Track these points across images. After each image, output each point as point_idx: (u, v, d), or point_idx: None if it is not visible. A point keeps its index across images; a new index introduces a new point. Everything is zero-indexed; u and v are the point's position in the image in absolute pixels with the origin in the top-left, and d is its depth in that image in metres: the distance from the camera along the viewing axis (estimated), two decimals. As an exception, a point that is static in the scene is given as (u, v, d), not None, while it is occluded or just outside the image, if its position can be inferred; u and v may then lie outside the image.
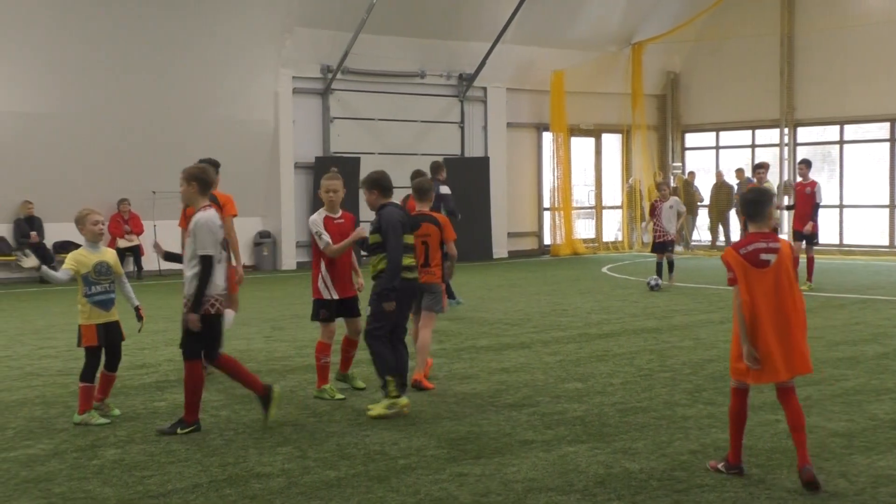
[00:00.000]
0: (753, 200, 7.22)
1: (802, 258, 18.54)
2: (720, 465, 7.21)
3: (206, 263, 8.54)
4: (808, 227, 18.89)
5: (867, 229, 29.44)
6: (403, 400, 9.14)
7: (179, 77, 23.96)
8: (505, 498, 6.70)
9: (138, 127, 23.82)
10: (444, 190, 17.28)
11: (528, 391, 10.10)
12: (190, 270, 8.62)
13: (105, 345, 9.07)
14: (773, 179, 30.82)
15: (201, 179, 8.87)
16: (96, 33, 22.66)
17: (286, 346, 13.27)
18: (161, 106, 23.96)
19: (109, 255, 9.24)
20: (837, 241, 29.56)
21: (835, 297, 18.11)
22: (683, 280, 20.52)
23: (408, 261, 9.53)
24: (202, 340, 8.70)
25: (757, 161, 22.59)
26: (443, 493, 6.81)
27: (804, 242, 19.08)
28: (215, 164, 11.83)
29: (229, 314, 10.28)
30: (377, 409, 9.09)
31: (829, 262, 25.82)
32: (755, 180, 20.53)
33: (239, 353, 12.67)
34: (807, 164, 19.65)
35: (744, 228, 6.28)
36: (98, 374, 9.13)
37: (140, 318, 9.36)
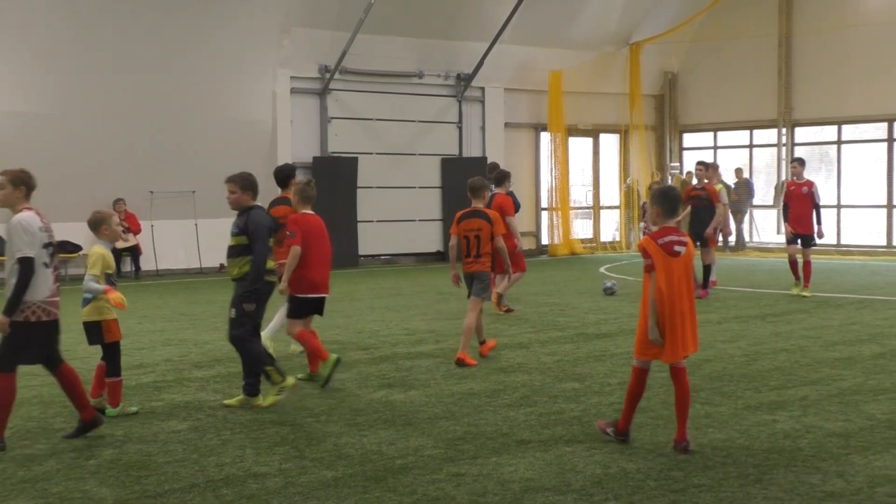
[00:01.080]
0: (674, 199, 7.96)
1: (800, 257, 18.24)
2: (609, 429, 8.02)
3: (26, 266, 8.09)
4: (819, 231, 17.97)
5: (865, 229, 29.46)
6: (290, 380, 9.63)
7: (177, 77, 23.94)
8: (502, 498, 6.71)
9: (136, 127, 23.81)
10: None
11: (526, 391, 10.10)
12: (13, 277, 8.19)
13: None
14: (766, 180, 30.98)
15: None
16: (93, 33, 22.65)
17: (281, 345, 13.25)
18: (159, 106, 23.95)
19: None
20: (835, 242, 29.55)
21: (832, 297, 18.12)
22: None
23: (270, 264, 9.66)
24: (20, 351, 8.22)
25: (708, 161, 22.18)
26: (440, 493, 6.81)
27: (800, 244, 18.16)
28: (291, 170, 13.30)
29: None
30: (269, 399, 9.50)
31: (827, 263, 25.83)
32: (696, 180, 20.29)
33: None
34: (801, 162, 18.68)
35: (653, 222, 6.78)
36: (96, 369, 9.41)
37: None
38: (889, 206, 28.71)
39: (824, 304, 17.03)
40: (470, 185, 12.26)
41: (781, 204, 19.02)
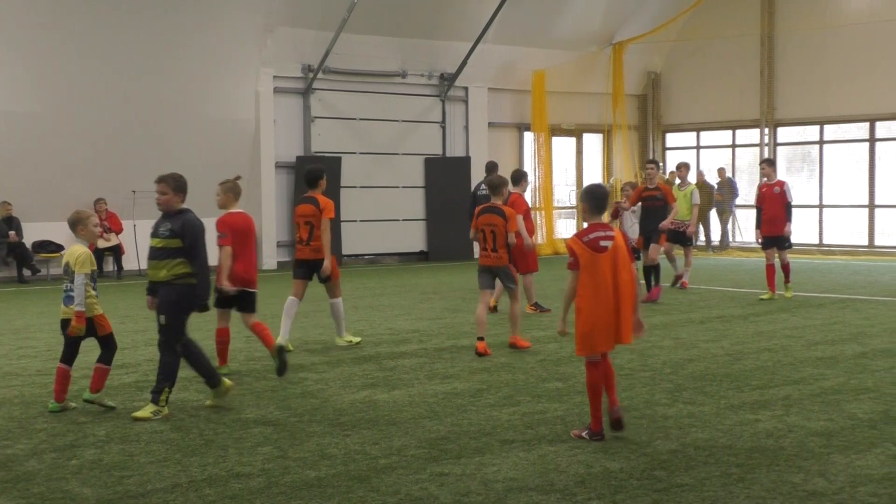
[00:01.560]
0: (600, 196, 8.37)
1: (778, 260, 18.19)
2: (584, 433, 8.13)
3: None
4: (787, 230, 17.72)
5: (846, 229, 29.56)
6: (166, 410, 9.21)
7: (160, 76, 23.87)
8: (485, 498, 6.71)
9: (118, 126, 23.73)
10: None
11: (509, 391, 10.11)
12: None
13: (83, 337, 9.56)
14: (749, 180, 31.06)
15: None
16: (76, 32, 22.56)
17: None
18: (141, 105, 23.87)
19: None
20: (817, 241, 29.70)
21: (814, 296, 18.19)
22: (665, 279, 20.50)
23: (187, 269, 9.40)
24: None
25: (681, 161, 21.92)
26: (423, 493, 6.81)
27: (776, 248, 17.83)
28: (321, 172, 13.34)
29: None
30: (145, 412, 9.08)
31: (809, 262, 25.94)
32: (678, 180, 20.22)
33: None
34: (770, 163, 18.46)
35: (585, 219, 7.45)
36: (64, 368, 9.53)
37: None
38: (871, 206, 28.83)
39: (806, 303, 17.10)
40: (489, 183, 12.99)
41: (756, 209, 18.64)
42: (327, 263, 12.72)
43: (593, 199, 8.29)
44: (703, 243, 30.60)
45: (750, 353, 12.16)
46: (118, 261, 24.11)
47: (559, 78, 30.43)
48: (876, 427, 8.41)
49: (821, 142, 29.99)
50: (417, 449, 7.91)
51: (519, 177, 16.44)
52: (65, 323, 9.45)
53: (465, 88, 29.36)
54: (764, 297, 17.74)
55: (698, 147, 32.90)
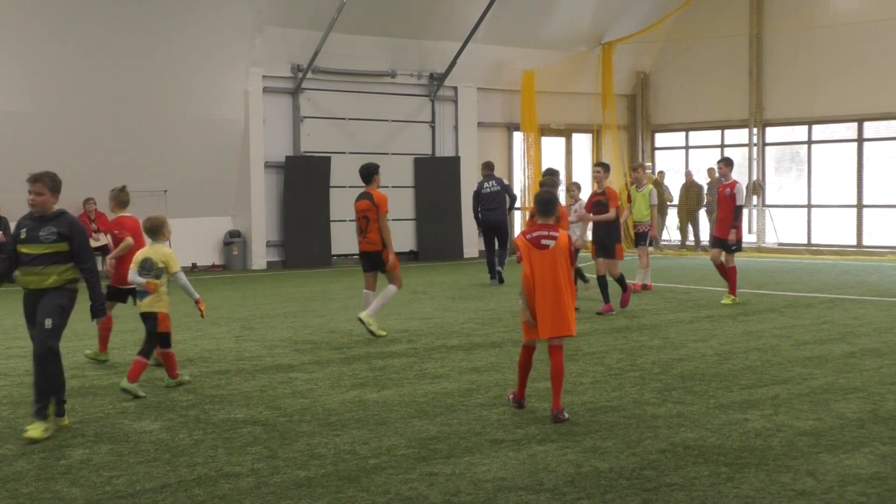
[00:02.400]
0: (547, 201, 9.35)
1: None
2: (511, 396, 9.39)
3: None
4: (731, 237, 16.78)
5: (835, 229, 29.65)
6: (67, 421, 8.81)
7: (149, 75, 23.83)
8: (475, 497, 6.71)
9: (107, 126, 23.69)
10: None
11: (499, 390, 10.11)
12: None
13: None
14: (738, 178, 31.14)
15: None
16: (64, 31, 22.50)
17: (256, 345, 13.23)
18: (130, 105, 23.83)
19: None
20: (805, 241, 29.78)
21: (802, 296, 18.22)
22: (654, 279, 20.56)
23: (74, 273, 8.90)
24: None
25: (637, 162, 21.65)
26: (413, 493, 6.81)
27: (722, 249, 17.03)
28: (375, 167, 14.31)
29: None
30: (36, 433, 8.37)
31: (798, 262, 26.01)
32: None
33: (208, 352, 12.66)
34: (727, 162, 17.59)
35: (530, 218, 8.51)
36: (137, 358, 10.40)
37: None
38: (859, 206, 28.92)
39: (795, 303, 17.13)
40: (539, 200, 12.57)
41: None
42: (391, 258, 13.78)
43: (540, 204, 9.35)
44: (693, 243, 30.67)
45: (739, 352, 12.18)
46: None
47: (548, 78, 30.46)
48: (864, 426, 8.43)
49: (809, 142, 30.08)
50: (407, 449, 7.91)
51: (551, 175, 16.42)
52: (145, 316, 10.53)
53: (455, 88, 29.37)
54: (726, 301, 16.97)
55: (687, 147, 32.98)
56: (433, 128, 29.16)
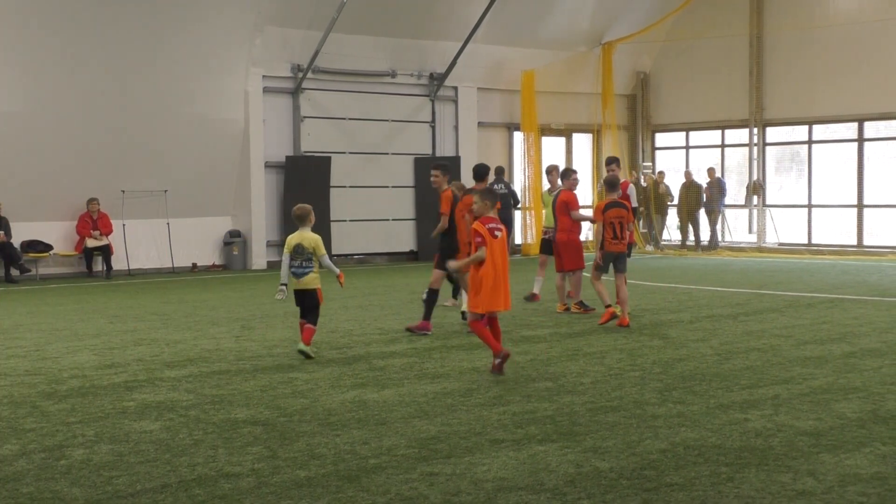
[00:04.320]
0: (493, 194, 11.26)
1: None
2: (496, 361, 10.81)
3: None
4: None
5: (835, 229, 29.63)
6: None
7: (149, 75, 23.83)
8: (475, 497, 6.71)
9: (108, 126, 23.68)
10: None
11: (499, 390, 10.11)
12: None
13: (300, 305, 12.21)
14: (738, 180, 31.13)
15: None
16: (65, 31, 22.49)
17: (256, 345, 13.23)
18: (131, 104, 23.83)
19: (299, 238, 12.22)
20: (806, 241, 29.78)
21: (803, 296, 18.22)
22: (655, 279, 20.59)
23: None
24: None
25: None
26: (413, 493, 6.80)
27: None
28: (486, 168, 15.30)
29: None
30: None
31: (798, 262, 26.01)
32: (550, 184, 18.38)
33: (208, 352, 12.66)
34: (617, 162, 16.93)
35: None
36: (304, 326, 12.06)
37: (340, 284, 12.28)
38: (859, 206, 28.91)
39: (795, 303, 17.13)
40: (606, 181, 15.21)
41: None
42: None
43: (490, 196, 11.12)
44: (693, 243, 30.66)
45: (739, 352, 12.18)
46: (107, 261, 24.04)
47: (549, 78, 30.46)
48: (865, 426, 8.43)
49: (809, 142, 30.06)
50: (407, 448, 7.91)
51: (568, 173, 16.65)
52: (299, 293, 12.13)
53: (455, 88, 29.37)
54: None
55: (687, 147, 32.97)
56: (433, 128, 29.16)
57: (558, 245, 16.14)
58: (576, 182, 16.65)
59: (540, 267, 18.14)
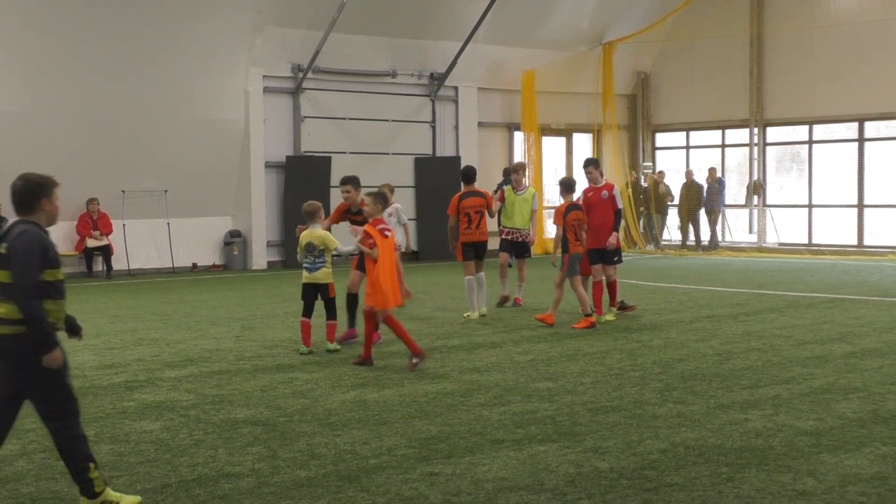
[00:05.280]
0: (384, 198, 12.45)
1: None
2: (414, 360, 11.34)
3: None
4: (612, 241, 15.19)
5: (836, 229, 29.62)
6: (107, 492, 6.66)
7: (149, 75, 23.81)
8: (475, 497, 6.71)
9: (108, 126, 23.66)
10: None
11: (499, 390, 10.11)
12: None
13: (306, 298, 12.67)
14: (738, 180, 31.13)
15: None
16: (65, 31, 22.48)
17: (256, 345, 13.23)
18: (131, 105, 23.80)
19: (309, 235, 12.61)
20: (806, 241, 29.77)
21: (803, 296, 18.22)
22: (655, 279, 20.60)
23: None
24: None
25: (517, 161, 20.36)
26: (413, 493, 6.80)
27: (601, 262, 15.43)
28: (472, 171, 16.81)
29: None
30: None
31: (798, 262, 26.00)
32: (513, 181, 17.95)
33: (208, 352, 12.66)
34: (595, 165, 15.98)
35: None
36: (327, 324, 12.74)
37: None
38: (860, 206, 28.89)
39: (795, 303, 17.13)
40: (563, 183, 15.52)
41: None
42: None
43: (382, 201, 12.18)
44: (693, 243, 30.66)
45: (739, 352, 12.18)
46: (107, 261, 24.04)
47: (549, 78, 30.45)
48: (865, 426, 8.43)
49: (810, 141, 30.04)
50: (407, 449, 7.91)
51: (573, 182, 15.82)
52: (311, 286, 12.60)
53: (455, 88, 29.34)
54: (608, 317, 15.30)
55: (688, 147, 32.94)
56: (433, 128, 29.14)
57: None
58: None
59: (501, 268, 17.65)
